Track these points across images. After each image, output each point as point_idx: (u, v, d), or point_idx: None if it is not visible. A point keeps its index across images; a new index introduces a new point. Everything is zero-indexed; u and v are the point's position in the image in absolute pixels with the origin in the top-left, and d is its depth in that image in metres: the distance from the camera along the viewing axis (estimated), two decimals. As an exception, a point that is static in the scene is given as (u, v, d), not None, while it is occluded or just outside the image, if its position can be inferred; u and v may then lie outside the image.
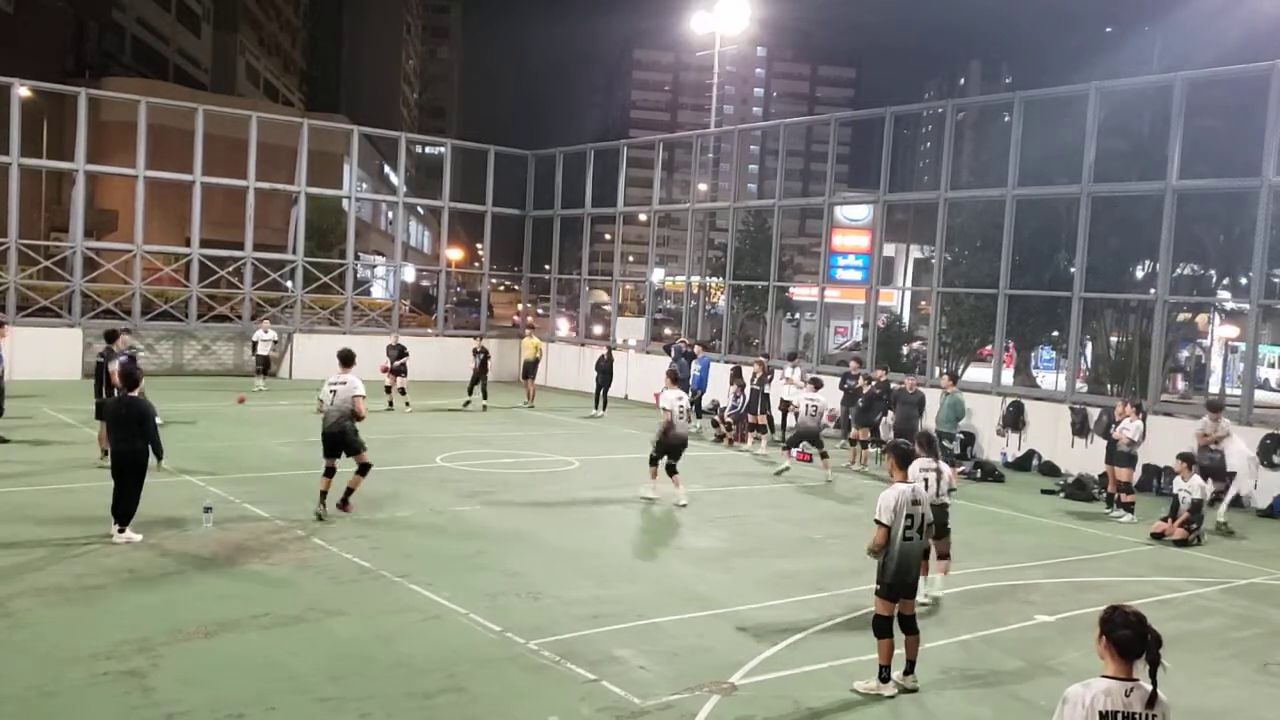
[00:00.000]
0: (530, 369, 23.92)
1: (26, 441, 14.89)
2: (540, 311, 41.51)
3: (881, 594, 6.98)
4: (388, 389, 21.31)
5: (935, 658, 7.54)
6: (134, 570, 8.82)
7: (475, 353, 22.49)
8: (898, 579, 6.93)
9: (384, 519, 11.35)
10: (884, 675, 6.87)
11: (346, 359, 11.20)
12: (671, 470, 12.89)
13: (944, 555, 9.41)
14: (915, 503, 6.98)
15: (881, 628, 6.93)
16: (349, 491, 11.13)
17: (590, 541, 10.97)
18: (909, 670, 7.00)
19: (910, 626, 7.05)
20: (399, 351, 21.66)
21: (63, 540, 9.63)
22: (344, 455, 11.09)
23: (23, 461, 13.48)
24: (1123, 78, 21.57)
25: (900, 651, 6.98)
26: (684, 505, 12.70)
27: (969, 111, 35.53)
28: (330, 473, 11.02)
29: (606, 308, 35.69)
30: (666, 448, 12.89)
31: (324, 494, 11.02)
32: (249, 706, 6.15)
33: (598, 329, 35.03)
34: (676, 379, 13.64)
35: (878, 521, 6.92)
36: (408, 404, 21.16)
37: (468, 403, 22.18)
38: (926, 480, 8.60)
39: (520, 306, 38.21)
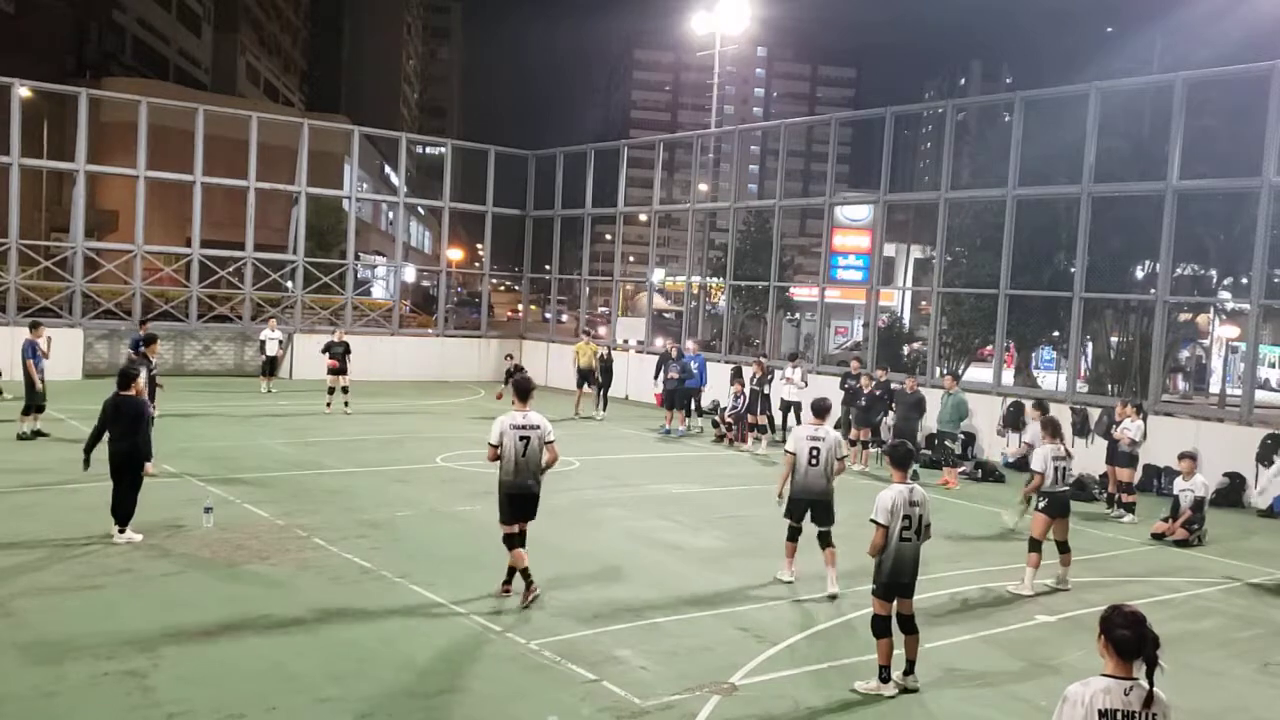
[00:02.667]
0: (586, 377, 22.12)
1: (27, 441, 14.94)
2: (547, 316, 41.17)
3: (877, 594, 7.02)
4: (330, 389, 20.23)
5: (935, 658, 7.54)
6: (134, 570, 8.83)
7: (509, 372, 20.52)
8: (893, 579, 6.96)
9: (384, 519, 11.35)
10: (884, 675, 6.88)
11: (525, 391, 8.55)
12: (824, 542, 9.35)
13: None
14: (913, 503, 6.98)
15: (880, 627, 6.95)
16: (518, 572, 8.55)
17: (590, 541, 10.97)
18: (909, 670, 7.01)
19: (909, 626, 7.06)
20: (345, 348, 20.50)
21: (63, 540, 9.63)
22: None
23: (24, 461, 13.49)
24: (1123, 78, 21.57)
25: (899, 651, 6.99)
26: (835, 596, 9.13)
27: (969, 111, 35.49)
28: (516, 541, 8.50)
29: (668, 315, 34.14)
30: (797, 507, 9.42)
31: (527, 571, 8.48)
32: (249, 706, 6.15)
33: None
34: (822, 412, 9.75)
35: (874, 522, 6.96)
36: (346, 404, 20.05)
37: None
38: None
39: (519, 306, 38.19)
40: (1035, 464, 9.90)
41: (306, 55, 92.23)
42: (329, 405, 20.04)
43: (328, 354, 20.35)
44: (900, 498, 6.94)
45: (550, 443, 8.46)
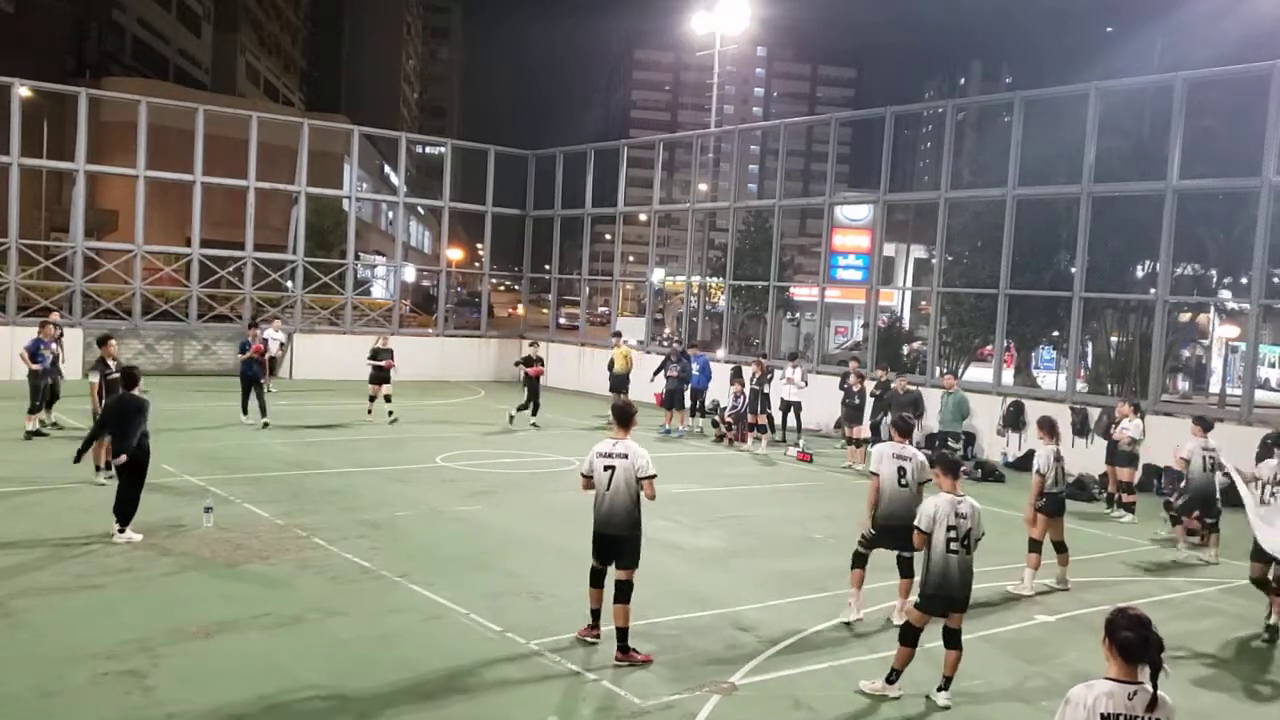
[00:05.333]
0: (621, 382, 21.28)
1: (26, 441, 14.95)
2: (562, 322, 40.40)
3: (920, 606, 6.84)
4: (371, 397, 19.11)
5: (935, 658, 7.52)
6: (134, 570, 8.82)
7: (530, 361, 19.83)
8: (939, 591, 6.73)
9: (384, 519, 11.35)
10: (892, 677, 6.82)
11: (625, 416, 7.54)
12: (907, 570, 8.35)
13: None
14: (960, 514, 6.73)
15: (908, 636, 6.81)
16: (624, 633, 7.27)
17: (590, 541, 10.94)
18: (944, 686, 6.83)
19: (954, 641, 6.83)
20: (389, 355, 19.23)
21: (63, 540, 9.63)
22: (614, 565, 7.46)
23: (23, 461, 13.48)
24: (1123, 78, 21.57)
25: (912, 650, 6.86)
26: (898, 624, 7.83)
27: (969, 111, 35.49)
28: (600, 579, 7.57)
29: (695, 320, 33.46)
30: (880, 534, 8.38)
31: (597, 613, 7.60)
32: (249, 706, 6.15)
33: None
34: (904, 428, 9.10)
35: (916, 528, 6.84)
36: (391, 413, 18.86)
37: (513, 417, 19.59)
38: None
39: (520, 306, 38.14)
40: (1040, 465, 9.94)
41: (306, 55, 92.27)
42: (370, 411, 19.09)
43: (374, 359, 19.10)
44: (945, 506, 6.74)
45: (646, 478, 7.27)
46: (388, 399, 18.98)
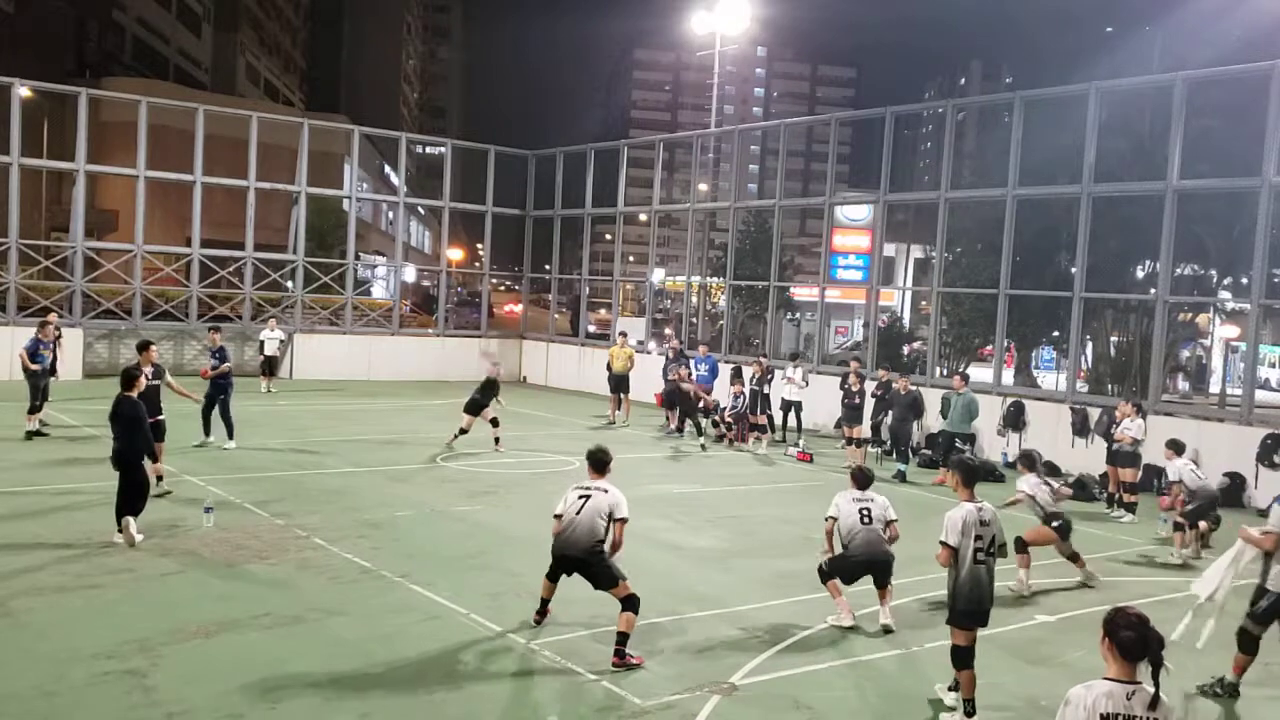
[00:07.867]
0: (621, 383, 21.26)
1: (27, 441, 14.94)
2: (591, 328, 39.97)
3: (953, 621, 6.52)
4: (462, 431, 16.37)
5: (934, 658, 7.52)
6: (134, 570, 8.83)
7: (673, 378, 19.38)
8: (971, 605, 6.43)
9: (384, 519, 11.35)
10: (969, 709, 6.43)
11: (601, 464, 7.78)
12: (879, 583, 8.49)
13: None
14: (984, 523, 6.43)
15: (962, 658, 6.45)
16: (623, 637, 7.26)
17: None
18: (955, 687, 6.72)
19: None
20: (488, 385, 16.68)
21: (62, 540, 9.63)
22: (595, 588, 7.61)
23: (23, 461, 13.48)
24: (1123, 78, 21.57)
25: (972, 671, 6.59)
26: (889, 629, 8.25)
27: (969, 111, 35.50)
28: (555, 576, 7.92)
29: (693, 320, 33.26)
30: (844, 566, 8.43)
31: (545, 601, 7.99)
32: (249, 706, 6.16)
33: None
34: (860, 480, 8.67)
35: (943, 543, 6.41)
36: (497, 440, 16.58)
37: (703, 446, 18.26)
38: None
39: (520, 306, 38.11)
40: (1046, 501, 10.29)
41: (306, 55, 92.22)
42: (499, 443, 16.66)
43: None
44: (970, 516, 6.38)
45: (619, 520, 7.42)
46: (495, 423, 16.56)
